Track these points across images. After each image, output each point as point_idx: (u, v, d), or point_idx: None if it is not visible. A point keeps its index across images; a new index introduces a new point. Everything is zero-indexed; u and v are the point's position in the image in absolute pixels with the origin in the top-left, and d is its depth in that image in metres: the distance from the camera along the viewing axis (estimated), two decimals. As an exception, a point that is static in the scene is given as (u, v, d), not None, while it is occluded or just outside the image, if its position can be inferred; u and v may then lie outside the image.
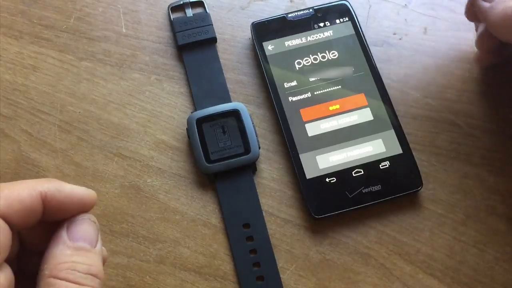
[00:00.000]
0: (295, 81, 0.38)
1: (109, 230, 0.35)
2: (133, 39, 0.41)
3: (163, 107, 0.39)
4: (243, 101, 0.39)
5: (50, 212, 0.25)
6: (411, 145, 0.37)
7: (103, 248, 0.26)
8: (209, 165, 0.36)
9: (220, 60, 0.40)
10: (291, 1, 0.42)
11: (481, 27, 0.37)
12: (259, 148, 0.37)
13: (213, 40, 0.40)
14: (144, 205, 0.36)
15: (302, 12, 0.40)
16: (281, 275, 0.34)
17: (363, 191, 0.36)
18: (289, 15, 0.40)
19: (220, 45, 0.41)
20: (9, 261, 0.24)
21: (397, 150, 0.37)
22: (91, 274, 0.24)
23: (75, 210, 0.26)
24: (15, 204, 0.23)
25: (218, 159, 0.36)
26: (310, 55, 0.39)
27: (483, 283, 0.34)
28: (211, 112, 0.37)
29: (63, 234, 0.25)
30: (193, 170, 0.37)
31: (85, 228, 0.25)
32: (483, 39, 0.37)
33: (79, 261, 0.24)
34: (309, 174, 0.36)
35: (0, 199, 0.23)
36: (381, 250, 0.35)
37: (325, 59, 0.39)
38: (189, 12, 0.41)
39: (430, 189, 0.36)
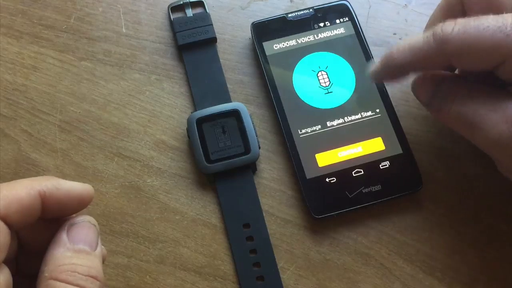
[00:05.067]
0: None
1: (109, 230, 0.35)
2: (133, 39, 0.41)
3: (163, 107, 0.39)
4: (243, 101, 0.39)
5: (49, 210, 0.25)
6: (411, 145, 0.37)
7: (102, 247, 0.26)
8: (209, 165, 0.36)
9: (220, 60, 0.40)
10: (291, 1, 0.42)
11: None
12: (259, 148, 0.37)
13: (213, 40, 0.40)
14: (144, 205, 0.36)
15: (302, 12, 0.40)
16: (281, 275, 0.34)
17: (363, 191, 0.36)
18: (289, 15, 0.40)
19: (220, 45, 0.41)
20: (7, 261, 0.24)
21: (397, 150, 0.37)
22: (91, 276, 0.24)
23: (74, 206, 0.26)
24: (14, 204, 0.23)
25: (218, 159, 0.36)
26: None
27: (483, 283, 0.34)
28: (211, 112, 0.37)
29: (64, 237, 0.25)
30: (193, 170, 0.37)
31: (85, 231, 0.26)
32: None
33: (79, 263, 0.24)
34: (309, 174, 0.36)
35: (-1, 200, 0.23)
36: (381, 250, 0.35)
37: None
38: (189, 12, 0.41)
39: (430, 189, 0.36)
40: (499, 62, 0.28)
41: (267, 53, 0.39)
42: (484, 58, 0.29)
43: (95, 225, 0.26)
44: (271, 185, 0.37)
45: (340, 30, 0.40)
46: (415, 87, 0.34)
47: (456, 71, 0.35)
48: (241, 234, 0.35)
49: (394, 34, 0.41)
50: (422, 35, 0.30)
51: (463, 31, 0.28)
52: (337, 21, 0.40)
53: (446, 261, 0.35)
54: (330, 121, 0.37)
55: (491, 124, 0.29)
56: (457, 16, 0.32)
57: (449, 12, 0.33)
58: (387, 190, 0.36)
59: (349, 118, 0.38)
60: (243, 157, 0.36)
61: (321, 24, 0.40)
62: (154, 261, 0.35)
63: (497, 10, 0.30)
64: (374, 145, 0.37)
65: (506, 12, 0.29)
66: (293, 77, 0.39)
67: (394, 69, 0.32)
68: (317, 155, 0.36)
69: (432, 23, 0.35)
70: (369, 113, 0.38)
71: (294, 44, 0.39)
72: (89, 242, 0.25)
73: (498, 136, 0.29)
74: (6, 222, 0.23)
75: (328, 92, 0.38)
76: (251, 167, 0.37)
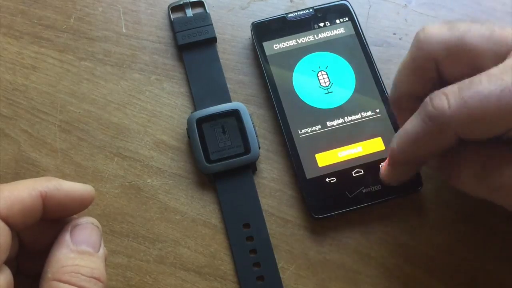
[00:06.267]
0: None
1: (109, 230, 0.35)
2: (133, 39, 0.41)
3: (163, 107, 0.39)
4: (243, 101, 0.39)
5: (50, 211, 0.25)
6: (411, 145, 0.37)
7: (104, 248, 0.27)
8: (209, 165, 0.36)
9: (220, 60, 0.40)
10: (291, 1, 0.42)
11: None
12: (259, 148, 0.37)
13: (213, 40, 0.40)
14: (144, 205, 0.36)
15: (302, 12, 0.40)
16: (281, 275, 0.34)
17: (363, 191, 0.36)
18: (289, 15, 0.40)
19: (220, 45, 0.41)
20: (8, 262, 0.24)
21: (397, 150, 0.37)
22: (94, 278, 0.24)
23: (75, 207, 0.26)
24: (16, 205, 0.23)
25: (218, 159, 0.36)
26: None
27: (483, 283, 0.34)
28: (211, 112, 0.37)
29: (67, 238, 0.25)
30: (193, 170, 0.37)
31: (88, 232, 0.26)
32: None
33: (82, 264, 0.24)
34: (309, 174, 0.36)
35: (0, 200, 0.23)
36: (381, 250, 0.35)
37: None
38: (189, 12, 0.41)
39: (430, 189, 0.36)
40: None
41: (267, 53, 0.39)
42: (495, 125, 0.26)
43: (98, 227, 0.26)
44: (271, 185, 0.37)
45: (340, 30, 0.40)
46: None
47: None
48: (241, 234, 0.35)
49: (394, 34, 0.41)
50: (414, 119, 0.28)
51: (463, 105, 0.26)
52: (337, 21, 0.40)
53: (446, 261, 0.35)
54: (330, 121, 0.37)
55: None
56: (427, 73, 0.30)
57: (417, 70, 0.31)
58: (387, 190, 0.36)
59: (349, 118, 0.38)
60: (243, 157, 0.36)
61: (321, 24, 0.40)
62: (154, 261, 0.35)
63: (478, 64, 0.28)
64: (374, 145, 0.37)
65: (487, 66, 0.27)
66: (293, 77, 0.39)
67: (405, 167, 0.31)
68: (317, 155, 0.37)
69: (399, 82, 0.32)
70: (369, 113, 0.38)
71: (294, 44, 0.39)
72: (92, 243, 0.25)
73: None
74: (8, 223, 0.23)
75: (328, 92, 0.38)
76: (251, 167, 0.37)
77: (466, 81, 0.26)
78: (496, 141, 0.27)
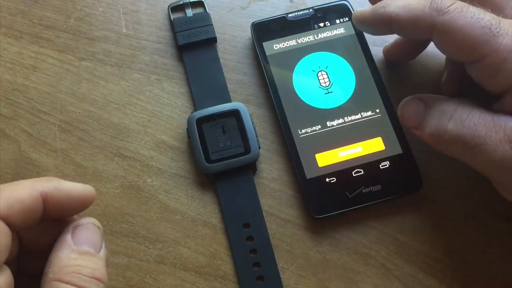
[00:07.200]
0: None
1: (109, 230, 0.35)
2: (133, 39, 0.41)
3: (163, 107, 0.39)
4: (243, 101, 0.39)
5: (50, 211, 0.25)
6: (411, 145, 0.37)
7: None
8: (209, 165, 0.36)
9: (220, 60, 0.40)
10: (291, 1, 0.42)
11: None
12: (259, 148, 0.37)
13: (213, 40, 0.40)
14: (144, 205, 0.36)
15: (302, 12, 0.40)
16: (281, 275, 0.34)
17: (363, 191, 0.36)
18: (289, 15, 0.40)
19: (220, 45, 0.41)
20: (8, 262, 0.24)
21: (397, 150, 0.37)
22: (96, 278, 0.24)
23: (75, 207, 0.26)
24: (16, 205, 0.23)
25: (218, 159, 0.36)
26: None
27: (483, 283, 0.34)
28: (211, 112, 0.37)
29: (68, 238, 0.25)
30: (193, 170, 0.37)
31: (90, 233, 0.26)
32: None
33: (83, 265, 0.24)
34: (309, 174, 0.36)
35: (0, 201, 0.23)
36: (381, 250, 0.35)
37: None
38: (189, 12, 0.41)
39: (430, 189, 0.36)
40: (478, 58, 0.28)
41: (267, 53, 0.39)
42: (466, 48, 0.28)
43: (99, 227, 0.26)
44: (271, 185, 0.37)
45: (340, 30, 0.40)
46: (403, 109, 0.33)
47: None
48: (241, 234, 0.35)
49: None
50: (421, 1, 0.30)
51: (459, 10, 0.28)
52: (337, 21, 0.40)
53: (446, 261, 0.35)
54: (330, 121, 0.37)
55: (494, 145, 0.27)
56: None
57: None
58: (387, 190, 0.36)
59: (349, 118, 0.38)
60: (243, 157, 0.36)
61: (321, 24, 0.40)
62: (154, 261, 0.35)
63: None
64: (374, 145, 0.37)
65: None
66: (293, 77, 0.39)
67: (381, 18, 0.31)
68: (317, 155, 0.37)
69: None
70: (369, 113, 0.38)
71: (294, 44, 0.39)
72: (93, 244, 0.25)
73: (502, 157, 0.27)
74: (8, 223, 0.23)
75: (328, 92, 0.38)
76: (251, 167, 0.37)
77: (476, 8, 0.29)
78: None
